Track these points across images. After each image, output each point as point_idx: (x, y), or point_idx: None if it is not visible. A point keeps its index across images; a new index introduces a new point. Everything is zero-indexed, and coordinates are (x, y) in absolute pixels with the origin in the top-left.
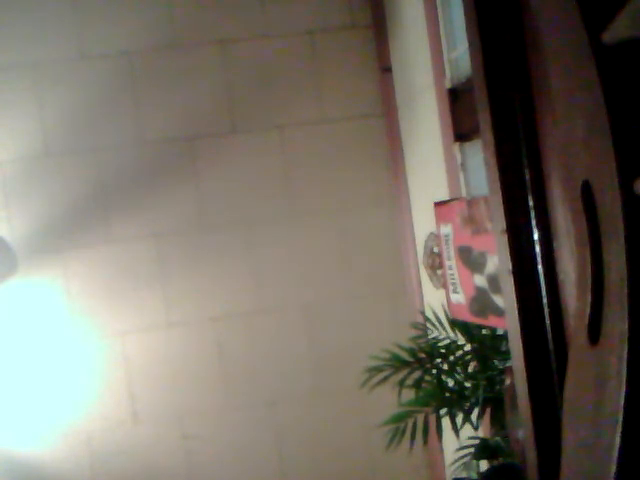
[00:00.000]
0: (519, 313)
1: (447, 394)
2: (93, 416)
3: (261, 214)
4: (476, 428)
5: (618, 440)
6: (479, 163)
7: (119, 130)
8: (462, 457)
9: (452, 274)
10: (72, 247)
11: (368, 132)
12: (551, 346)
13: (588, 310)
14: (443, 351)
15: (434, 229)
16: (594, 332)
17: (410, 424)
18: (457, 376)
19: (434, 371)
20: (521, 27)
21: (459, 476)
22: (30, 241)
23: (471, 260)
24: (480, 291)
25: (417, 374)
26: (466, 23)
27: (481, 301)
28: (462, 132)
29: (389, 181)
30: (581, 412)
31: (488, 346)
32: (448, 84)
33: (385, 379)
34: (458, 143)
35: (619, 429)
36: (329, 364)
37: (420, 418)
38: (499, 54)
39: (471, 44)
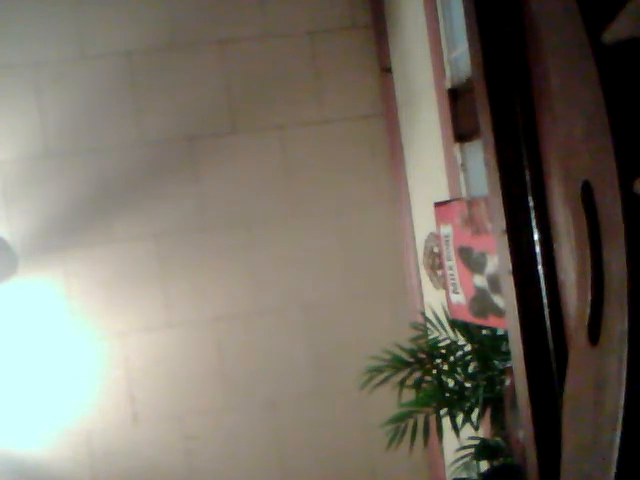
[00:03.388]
0: (519, 313)
1: (447, 394)
2: (93, 416)
3: (261, 214)
4: (476, 428)
5: (618, 440)
6: (479, 163)
7: (119, 130)
8: (462, 457)
9: (452, 274)
10: (72, 247)
11: (368, 132)
12: (551, 346)
13: (588, 310)
14: (443, 351)
15: (434, 229)
16: (594, 332)
17: (410, 424)
18: (457, 376)
19: (434, 371)
20: (521, 27)
21: (459, 476)
22: (30, 241)
23: (471, 260)
24: (480, 291)
25: (417, 374)
26: (466, 23)
27: (481, 301)
28: (462, 132)
29: (389, 181)
30: (581, 412)
31: (488, 346)
32: (448, 84)
33: (385, 380)
34: (458, 143)
35: (619, 429)
36: (329, 364)
37: (420, 418)
38: (499, 54)
39: (471, 44)
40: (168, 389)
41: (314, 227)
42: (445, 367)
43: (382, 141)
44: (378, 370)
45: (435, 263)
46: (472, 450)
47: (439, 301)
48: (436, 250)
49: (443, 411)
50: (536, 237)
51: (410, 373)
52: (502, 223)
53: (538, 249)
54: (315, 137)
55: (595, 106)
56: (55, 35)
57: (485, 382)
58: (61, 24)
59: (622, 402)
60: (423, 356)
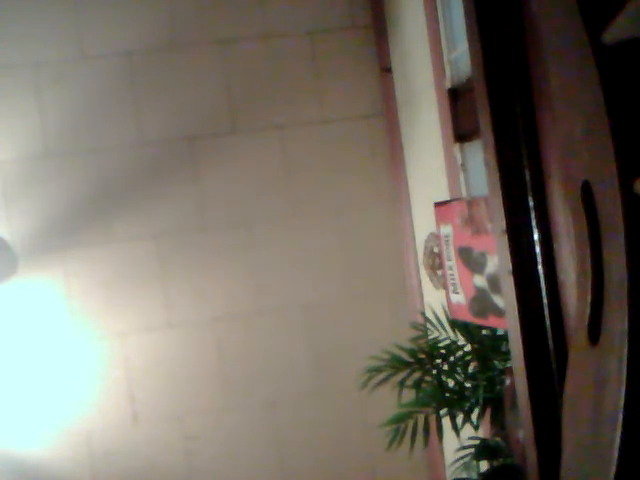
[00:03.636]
0: (519, 313)
1: (447, 394)
2: (93, 416)
3: (261, 214)
4: (476, 428)
5: (618, 440)
6: (479, 163)
7: (119, 130)
8: (462, 457)
9: (452, 274)
10: (72, 247)
11: (368, 132)
12: (551, 346)
13: (588, 310)
14: (443, 351)
15: (434, 229)
16: (594, 332)
17: (410, 425)
18: (457, 376)
19: (434, 372)
20: (521, 27)
21: (459, 476)
22: (30, 241)
23: (471, 260)
24: (480, 291)
25: (417, 375)
26: (466, 23)
27: (481, 301)
28: (462, 132)
29: (389, 181)
30: (581, 412)
31: (488, 346)
32: (448, 84)
33: (385, 380)
34: (458, 143)
35: (619, 429)
36: (329, 364)
37: (420, 418)
38: (499, 54)
39: (471, 44)
40: (168, 389)
41: (314, 227)
42: (445, 367)
43: (382, 141)
44: (378, 370)
45: (435, 263)
46: (472, 450)
47: (439, 301)
48: (436, 250)
49: (443, 411)
50: (536, 237)
51: (410, 373)
52: (502, 223)
53: (538, 249)
54: (315, 137)
55: (595, 106)
56: (55, 35)
57: (485, 382)
58: (61, 24)
59: (622, 402)
60: (423, 356)
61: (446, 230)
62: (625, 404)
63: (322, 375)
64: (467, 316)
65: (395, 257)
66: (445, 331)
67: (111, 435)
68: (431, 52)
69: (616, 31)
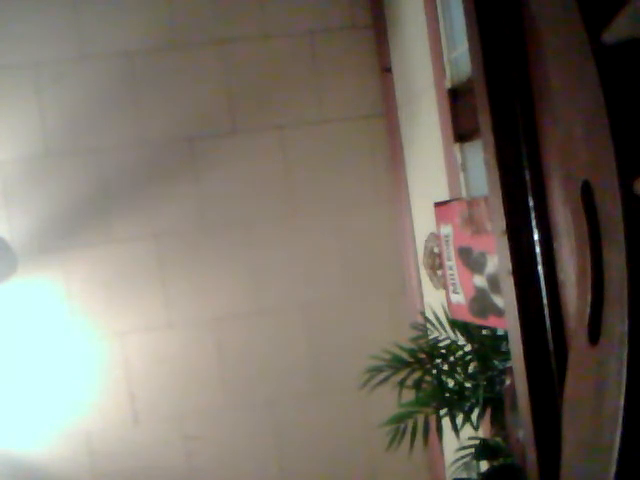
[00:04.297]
0: (519, 313)
1: (447, 394)
2: (93, 416)
3: (261, 214)
4: (476, 428)
5: (618, 440)
6: (479, 163)
7: (119, 130)
8: (462, 457)
9: (452, 274)
10: (72, 247)
11: (368, 132)
12: (551, 346)
13: (588, 310)
14: (443, 351)
15: (434, 229)
16: (594, 332)
17: (410, 424)
18: (457, 376)
19: (434, 371)
20: (521, 27)
21: (459, 476)
22: (30, 241)
23: (471, 260)
24: (480, 291)
25: (417, 374)
26: (466, 23)
27: (481, 301)
28: (462, 132)
29: (389, 181)
30: (581, 412)
31: (488, 346)
32: (448, 84)
33: (385, 379)
34: (458, 143)
35: (619, 429)
36: (329, 364)
37: (420, 418)
38: (499, 54)
39: (471, 44)
40: (168, 389)
41: (314, 227)
42: (445, 367)
43: (382, 141)
44: (378, 370)
45: (435, 263)
46: (472, 450)
47: (439, 301)
48: (436, 250)
49: (443, 411)
50: (536, 237)
51: (410, 373)
52: (502, 223)
53: (538, 249)
54: (315, 137)
55: (595, 106)
56: (55, 35)
57: (485, 382)
58: (61, 24)
59: (622, 402)
60: (423, 356)
61: (446, 230)
62: (625, 404)
63: (322, 375)
64: (467, 316)
65: (395, 257)
66: (445, 331)
67: (111, 435)
68: (431, 52)
69: (616, 31)
